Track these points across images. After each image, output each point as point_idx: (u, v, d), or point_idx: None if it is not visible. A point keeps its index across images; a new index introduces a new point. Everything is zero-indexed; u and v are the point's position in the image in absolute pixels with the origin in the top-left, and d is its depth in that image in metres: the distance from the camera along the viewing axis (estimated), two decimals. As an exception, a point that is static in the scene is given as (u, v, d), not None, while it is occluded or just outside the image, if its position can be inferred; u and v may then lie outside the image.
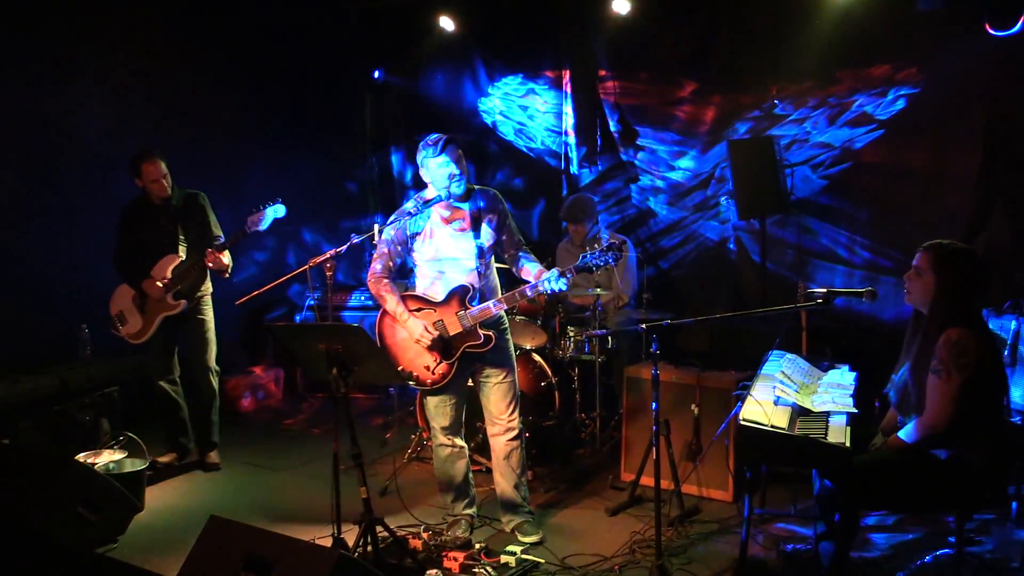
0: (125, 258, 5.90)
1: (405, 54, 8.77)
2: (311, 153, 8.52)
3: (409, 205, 4.44)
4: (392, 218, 4.49)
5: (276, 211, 5.64)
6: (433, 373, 4.53)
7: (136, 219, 5.91)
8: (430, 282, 4.59)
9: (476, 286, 4.48)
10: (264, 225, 5.62)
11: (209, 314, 6.02)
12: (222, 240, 5.82)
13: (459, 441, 4.75)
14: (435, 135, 4.46)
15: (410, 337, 4.51)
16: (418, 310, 4.54)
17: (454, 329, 4.47)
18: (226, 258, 5.75)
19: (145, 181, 5.79)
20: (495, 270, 4.72)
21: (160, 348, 5.94)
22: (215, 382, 6.08)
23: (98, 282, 6.57)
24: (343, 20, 8.70)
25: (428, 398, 4.68)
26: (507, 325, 4.70)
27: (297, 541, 3.58)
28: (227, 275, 5.84)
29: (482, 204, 4.54)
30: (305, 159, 8.44)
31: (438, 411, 4.67)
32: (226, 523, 3.66)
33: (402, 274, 4.93)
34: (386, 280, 4.60)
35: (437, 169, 4.40)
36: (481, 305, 4.43)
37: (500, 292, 4.63)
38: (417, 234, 4.56)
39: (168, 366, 6.01)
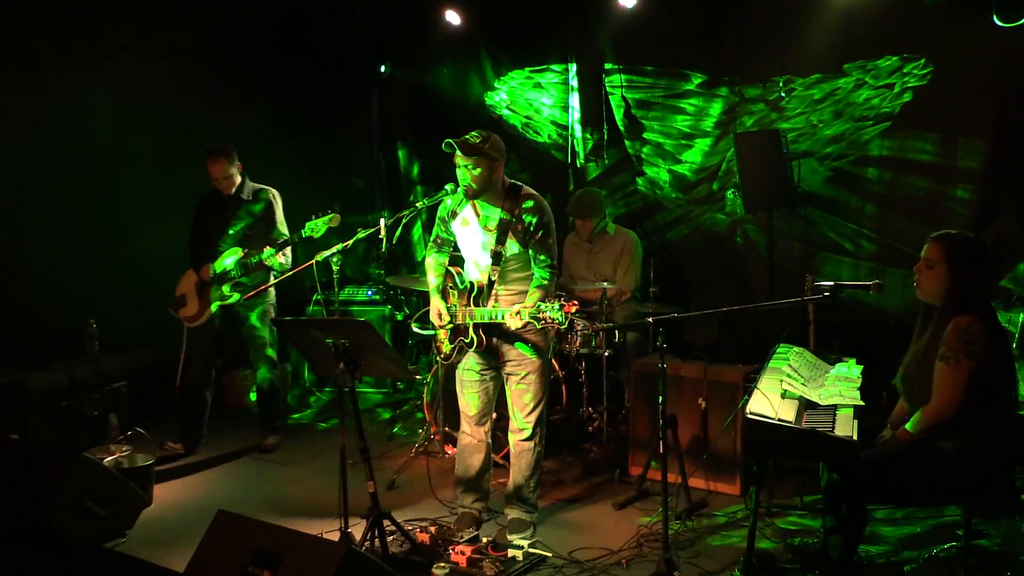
0: (193, 245, 6.22)
1: (411, 48, 8.76)
2: (317, 147, 8.53)
3: (448, 187, 4.50)
4: (435, 197, 4.56)
5: (328, 220, 5.78)
6: (445, 348, 4.67)
7: (206, 210, 6.22)
8: (464, 263, 4.69)
9: (484, 288, 4.48)
10: (317, 234, 5.78)
11: (264, 309, 6.18)
12: (286, 239, 5.99)
13: (480, 433, 4.75)
14: (470, 134, 4.37)
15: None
16: (450, 287, 4.65)
17: (458, 319, 4.53)
18: (281, 258, 5.94)
19: (211, 177, 6.05)
20: (528, 278, 4.60)
21: (209, 335, 6.17)
22: (271, 373, 6.26)
23: (107, 277, 6.61)
24: (349, 14, 8.70)
25: (456, 374, 4.75)
26: (534, 330, 4.52)
27: (304, 535, 3.59)
28: (287, 273, 5.98)
29: (517, 210, 4.43)
30: (311, 154, 8.45)
31: (462, 393, 4.73)
32: (234, 517, 3.68)
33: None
34: (435, 253, 4.75)
35: (457, 168, 4.40)
36: (480, 309, 4.44)
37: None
38: (454, 216, 4.62)
39: (209, 355, 6.23)
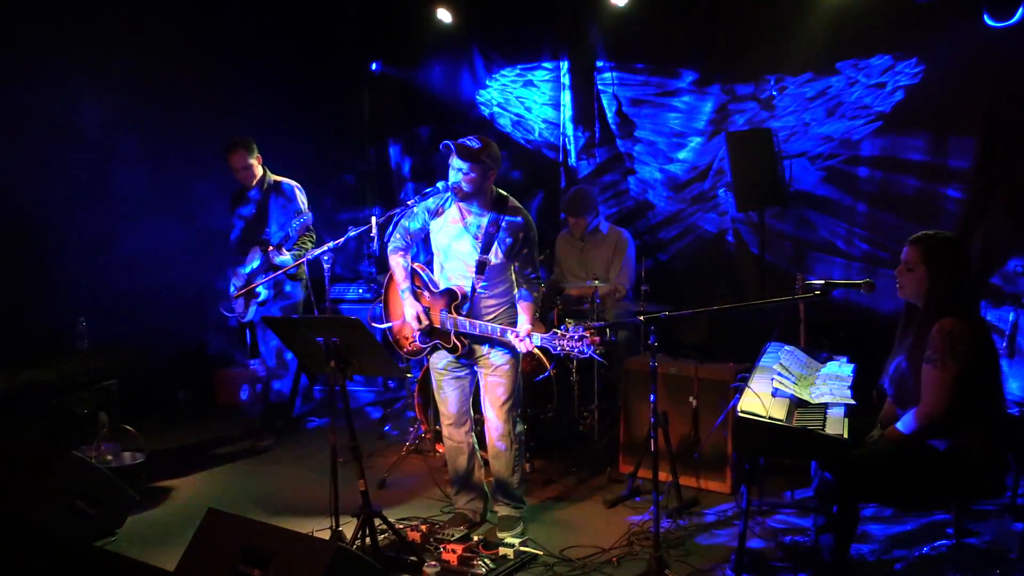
0: (233, 241, 6.30)
1: (403, 46, 8.75)
2: (308, 145, 8.50)
3: (440, 184, 4.45)
4: (425, 192, 4.50)
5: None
6: (410, 345, 4.64)
7: (236, 204, 6.32)
8: (438, 268, 4.64)
9: (468, 296, 4.46)
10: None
11: (292, 305, 6.21)
12: (299, 251, 6.02)
13: (460, 435, 4.73)
14: (470, 138, 4.35)
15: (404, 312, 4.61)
16: (419, 288, 4.61)
17: (435, 322, 4.50)
18: (284, 256, 5.96)
19: (231, 169, 6.16)
20: (511, 288, 4.59)
21: (253, 331, 6.36)
22: (283, 372, 6.35)
23: (96, 275, 6.58)
24: (341, 11, 8.68)
25: (432, 375, 4.74)
26: (506, 322, 4.54)
27: (295, 534, 3.58)
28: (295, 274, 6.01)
29: (503, 222, 4.42)
30: (302, 151, 8.42)
31: (438, 394, 4.72)
32: (224, 516, 3.67)
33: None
34: (400, 252, 4.67)
35: (451, 169, 4.37)
36: (463, 319, 4.41)
37: (512, 310, 4.57)
38: (437, 215, 4.56)
39: (256, 351, 6.38)
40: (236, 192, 6.31)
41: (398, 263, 4.66)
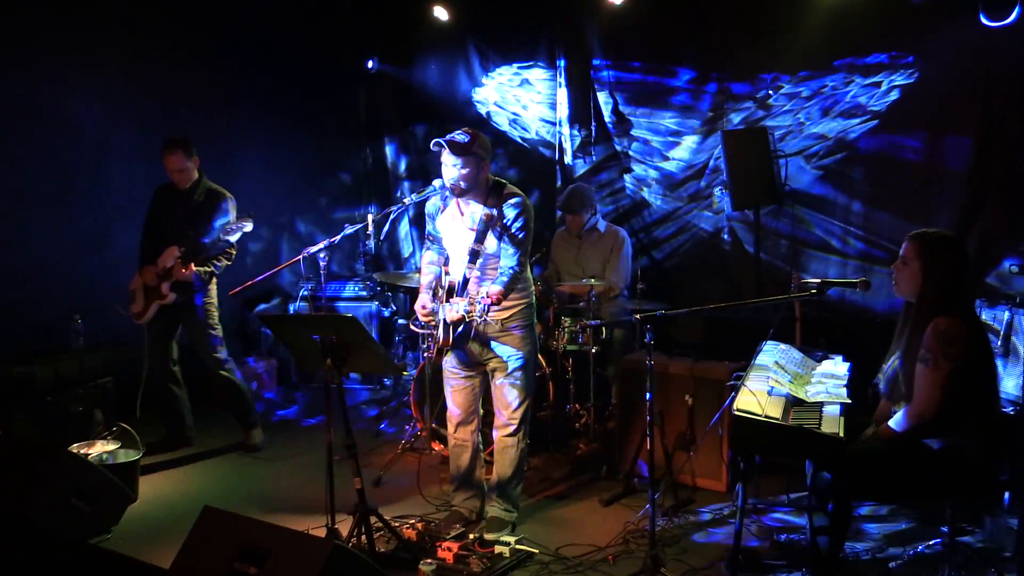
0: (145, 238, 6.05)
1: (399, 44, 8.75)
2: (305, 143, 8.51)
3: (436, 183, 4.44)
4: (423, 192, 4.52)
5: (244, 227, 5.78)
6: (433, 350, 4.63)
7: (160, 202, 6.06)
8: (450, 263, 4.64)
9: (459, 286, 4.42)
10: (233, 237, 5.78)
11: (207, 310, 6.01)
12: (218, 250, 5.87)
13: (466, 434, 4.72)
14: (457, 133, 4.33)
15: None
16: (439, 285, 4.61)
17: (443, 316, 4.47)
18: (209, 266, 5.83)
19: (167, 170, 5.90)
20: (510, 278, 4.49)
21: (156, 335, 6.01)
22: (226, 373, 6.11)
23: (91, 272, 6.56)
24: (337, 9, 8.67)
25: (444, 375, 4.74)
26: (521, 323, 4.52)
27: (291, 531, 3.57)
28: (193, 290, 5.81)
29: (495, 212, 4.38)
30: (299, 149, 8.43)
31: (448, 395, 4.71)
32: (220, 513, 3.66)
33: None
34: (428, 253, 4.72)
35: (443, 166, 4.36)
36: (452, 304, 4.35)
37: (527, 310, 4.55)
38: (440, 214, 4.59)
39: (160, 355, 6.04)
40: (164, 190, 6.05)
41: (424, 260, 4.72)
